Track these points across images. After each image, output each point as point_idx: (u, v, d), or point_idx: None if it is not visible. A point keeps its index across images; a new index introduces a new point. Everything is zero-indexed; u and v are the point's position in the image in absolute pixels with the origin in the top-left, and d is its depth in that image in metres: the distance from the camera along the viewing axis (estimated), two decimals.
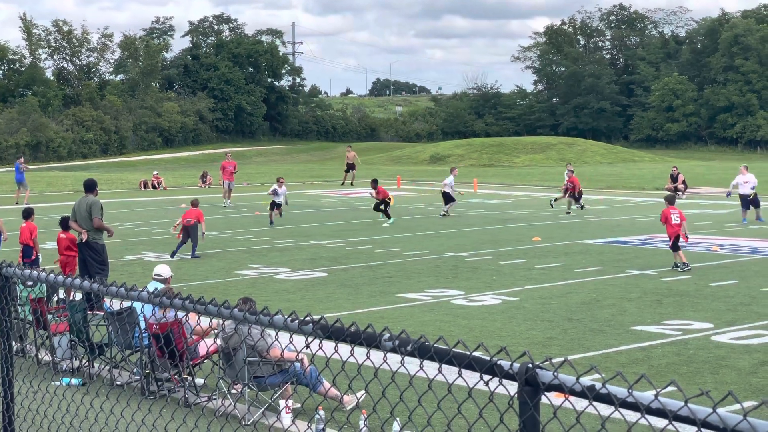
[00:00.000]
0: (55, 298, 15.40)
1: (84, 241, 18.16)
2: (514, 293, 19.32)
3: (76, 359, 13.46)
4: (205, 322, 12.27)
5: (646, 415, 2.75)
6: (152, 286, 13.68)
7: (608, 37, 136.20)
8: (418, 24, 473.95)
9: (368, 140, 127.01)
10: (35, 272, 6.04)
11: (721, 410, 2.60)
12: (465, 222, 34.83)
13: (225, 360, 11.20)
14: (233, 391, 11.47)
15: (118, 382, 12.55)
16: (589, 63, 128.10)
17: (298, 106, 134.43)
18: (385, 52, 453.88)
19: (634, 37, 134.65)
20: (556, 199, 40.94)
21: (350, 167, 55.75)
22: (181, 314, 11.49)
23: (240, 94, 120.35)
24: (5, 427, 6.47)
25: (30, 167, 55.15)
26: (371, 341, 3.55)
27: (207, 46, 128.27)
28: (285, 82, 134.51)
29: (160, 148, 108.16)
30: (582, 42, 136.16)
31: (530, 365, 3.05)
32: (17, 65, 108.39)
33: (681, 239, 22.44)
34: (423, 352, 3.36)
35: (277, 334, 4.40)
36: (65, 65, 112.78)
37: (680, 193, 46.64)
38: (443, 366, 3.33)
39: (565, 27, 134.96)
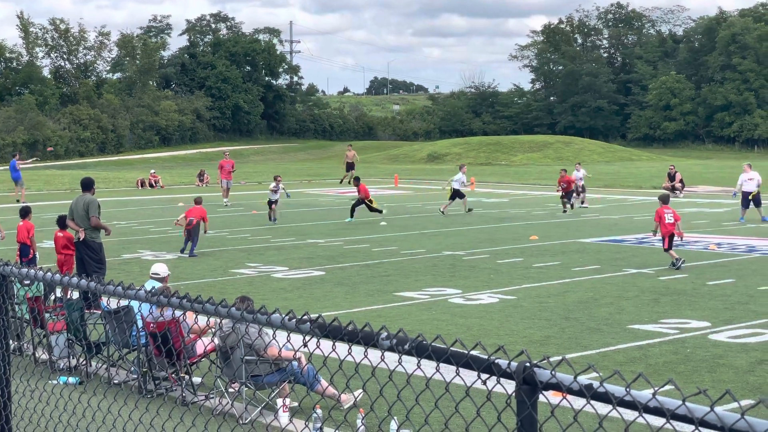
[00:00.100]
0: (53, 297, 15.40)
1: (81, 239, 18.15)
2: (511, 292, 19.32)
3: (73, 358, 13.45)
4: (202, 320, 12.26)
5: (644, 414, 2.75)
6: (149, 284, 13.67)
7: (606, 36, 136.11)
8: (415, 23, 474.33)
9: (366, 139, 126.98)
10: (32, 271, 6.03)
11: (718, 409, 2.60)
12: (462, 221, 34.84)
13: (222, 359, 11.19)
14: (230, 390, 11.47)
15: (116, 381, 12.55)
16: (587, 62, 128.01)
17: (295, 105, 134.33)
18: (383, 51, 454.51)
19: (631, 36, 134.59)
20: (582, 203, 41.63)
21: (350, 166, 55.85)
22: (178, 313, 11.49)
23: (237, 92, 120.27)
24: (2, 425, 6.46)
25: (27, 162, 55.00)
26: (369, 340, 3.55)
27: (204, 45, 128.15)
28: (282, 80, 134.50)
29: (158, 146, 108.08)
30: (579, 41, 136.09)
31: (528, 364, 3.05)
32: (14, 63, 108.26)
33: (676, 237, 22.48)
34: (420, 350, 3.36)
35: (274, 333, 4.38)
36: (62, 63, 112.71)
37: (678, 192, 46.69)
38: (441, 365, 3.33)
39: (562, 26, 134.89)
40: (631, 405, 2.77)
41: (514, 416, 3.08)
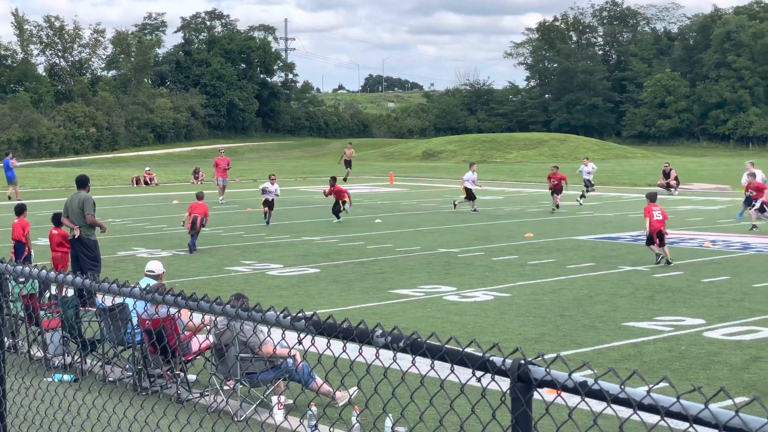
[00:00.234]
0: (47, 295, 15.38)
1: (76, 237, 18.13)
2: (506, 289, 19.33)
3: (68, 355, 13.44)
4: (197, 318, 12.26)
5: (639, 411, 2.76)
6: (144, 282, 13.67)
7: (601, 34, 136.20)
8: (410, 20, 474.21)
9: (360, 136, 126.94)
10: (27, 268, 6.02)
11: (713, 406, 2.60)
12: (457, 218, 34.84)
13: (217, 356, 11.19)
14: (225, 387, 11.47)
15: (111, 378, 12.54)
16: (582, 59, 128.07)
17: (290, 102, 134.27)
18: (378, 49, 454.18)
19: (626, 34, 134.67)
20: (582, 197, 41.70)
21: (348, 164, 56.09)
22: (173, 310, 11.48)
23: (232, 90, 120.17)
24: None
25: (19, 164, 54.91)
26: (363, 337, 3.55)
27: (199, 42, 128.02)
28: (277, 78, 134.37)
29: (153, 144, 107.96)
30: (574, 38, 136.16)
31: (522, 361, 3.05)
32: (9, 61, 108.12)
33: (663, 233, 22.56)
34: (415, 348, 3.36)
35: (269, 330, 4.37)
36: (57, 61, 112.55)
37: (672, 189, 46.74)
38: (436, 362, 3.33)
39: (557, 23, 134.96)
40: (626, 402, 2.77)
41: (509, 414, 3.09)
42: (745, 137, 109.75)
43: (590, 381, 2.87)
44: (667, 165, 49.97)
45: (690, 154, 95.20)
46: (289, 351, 10.76)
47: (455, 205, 37.75)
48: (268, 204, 33.10)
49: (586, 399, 2.90)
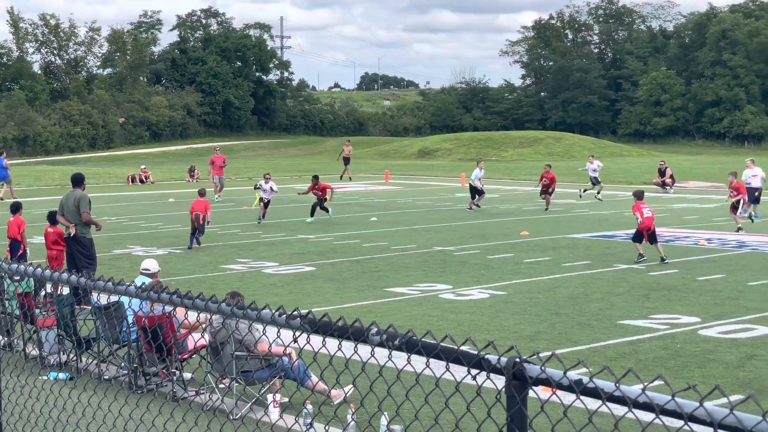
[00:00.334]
0: (43, 293, 15.36)
1: (72, 235, 18.12)
2: (502, 287, 19.34)
3: (63, 354, 13.43)
4: (192, 316, 12.25)
5: (634, 409, 2.76)
6: (140, 280, 13.66)
7: (596, 32, 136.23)
8: (406, 18, 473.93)
9: (356, 134, 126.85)
10: (22, 266, 6.02)
11: (707, 404, 2.60)
12: (453, 216, 34.86)
13: (213, 354, 11.19)
14: (221, 386, 11.47)
15: (106, 377, 12.53)
16: (577, 57, 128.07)
17: (286, 101, 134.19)
18: (374, 47, 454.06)
19: (622, 32, 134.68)
20: (585, 190, 41.46)
21: (346, 161, 56.36)
22: (168, 308, 11.48)
23: (228, 88, 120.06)
24: None
25: (12, 162, 54.82)
26: (359, 335, 3.55)
27: (195, 40, 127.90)
28: (273, 76, 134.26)
29: (148, 142, 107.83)
30: (570, 36, 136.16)
31: (518, 359, 3.05)
32: (4, 59, 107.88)
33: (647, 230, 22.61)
34: (410, 346, 3.36)
35: (264, 329, 4.38)
36: (53, 59, 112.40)
37: (668, 188, 46.77)
38: (431, 360, 3.33)
39: (553, 21, 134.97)
40: (621, 400, 2.78)
41: (504, 411, 3.09)
42: (741, 135, 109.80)
43: (585, 379, 2.87)
44: (662, 163, 49.98)
45: (685, 153, 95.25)
46: (285, 349, 10.78)
47: (474, 208, 37.34)
48: (264, 202, 33.14)
49: (582, 397, 2.90)
